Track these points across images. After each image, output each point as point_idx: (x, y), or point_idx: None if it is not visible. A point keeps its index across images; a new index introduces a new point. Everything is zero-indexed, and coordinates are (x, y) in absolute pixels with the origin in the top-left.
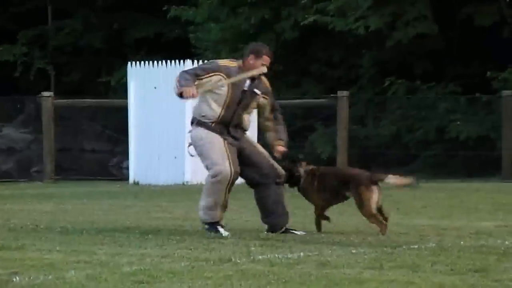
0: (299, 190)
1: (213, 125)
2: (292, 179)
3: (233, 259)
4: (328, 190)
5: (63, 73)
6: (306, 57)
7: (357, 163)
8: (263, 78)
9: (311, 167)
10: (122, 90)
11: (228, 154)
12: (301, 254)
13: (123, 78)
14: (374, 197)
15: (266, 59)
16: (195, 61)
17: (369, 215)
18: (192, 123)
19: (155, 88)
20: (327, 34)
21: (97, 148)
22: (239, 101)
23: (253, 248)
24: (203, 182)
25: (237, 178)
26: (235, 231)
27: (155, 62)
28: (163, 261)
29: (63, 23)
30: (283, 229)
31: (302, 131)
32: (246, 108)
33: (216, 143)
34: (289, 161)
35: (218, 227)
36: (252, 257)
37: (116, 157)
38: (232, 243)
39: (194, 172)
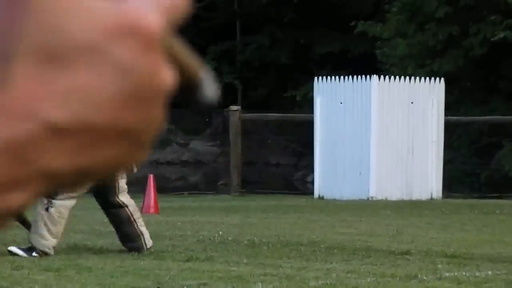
0: None
1: None
2: None
3: (419, 276)
4: None
5: (250, 88)
6: (495, 74)
7: None
8: None
9: None
10: (307, 105)
11: None
12: (489, 272)
13: (309, 93)
14: None
15: None
16: (381, 76)
17: None
18: None
19: (341, 103)
20: None
21: (282, 162)
22: None
23: (440, 266)
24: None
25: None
26: (422, 248)
27: (341, 77)
28: (349, 276)
29: (251, 38)
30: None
31: (489, 148)
32: None
33: None
34: None
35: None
36: (438, 275)
37: (301, 171)
38: (418, 259)
39: (379, 187)
